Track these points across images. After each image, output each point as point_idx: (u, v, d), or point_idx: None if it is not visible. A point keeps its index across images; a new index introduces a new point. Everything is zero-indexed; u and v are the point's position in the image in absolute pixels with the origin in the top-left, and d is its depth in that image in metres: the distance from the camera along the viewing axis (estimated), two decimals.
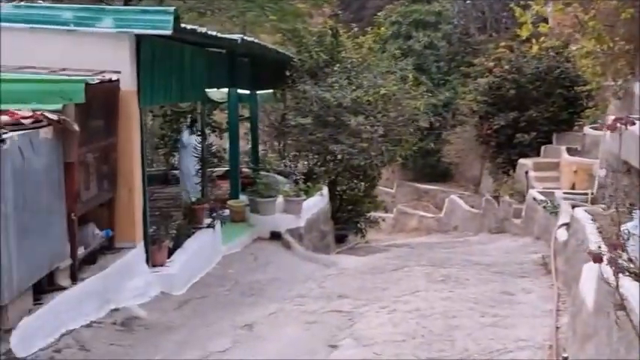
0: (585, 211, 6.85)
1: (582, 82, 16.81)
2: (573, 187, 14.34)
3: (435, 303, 6.33)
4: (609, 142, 7.26)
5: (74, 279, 5.71)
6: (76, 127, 5.56)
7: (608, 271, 3.87)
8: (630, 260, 3.77)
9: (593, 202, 10.57)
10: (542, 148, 16.86)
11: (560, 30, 15.23)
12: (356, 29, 15.33)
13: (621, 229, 5.18)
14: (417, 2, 27.00)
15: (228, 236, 9.59)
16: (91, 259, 6.24)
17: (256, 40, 10.16)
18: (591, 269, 4.83)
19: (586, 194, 11.39)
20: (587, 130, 15.74)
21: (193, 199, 9.28)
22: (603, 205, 9.23)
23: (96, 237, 6.31)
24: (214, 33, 8.13)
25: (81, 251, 5.93)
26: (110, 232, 6.58)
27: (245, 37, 9.21)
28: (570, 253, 6.73)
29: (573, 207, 9.18)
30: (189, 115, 11.75)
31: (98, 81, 5.99)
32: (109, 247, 6.61)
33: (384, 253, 11.51)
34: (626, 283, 3.64)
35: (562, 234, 7.76)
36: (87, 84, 5.65)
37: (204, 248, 8.45)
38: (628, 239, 4.56)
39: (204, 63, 8.93)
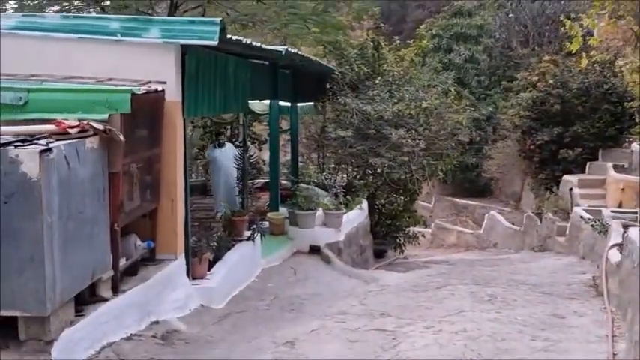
0: None
1: (630, 97, 16.40)
2: (620, 206, 13.93)
3: (482, 324, 6.10)
4: None
5: (116, 290, 5.66)
6: (122, 138, 5.52)
7: None
8: None
9: None
10: (587, 164, 16.46)
11: (607, 44, 14.88)
12: (397, 42, 15.16)
13: None
14: (458, 15, 26.76)
15: (268, 249, 9.50)
16: (132, 270, 6.19)
17: (299, 52, 10.08)
18: None
19: (635, 213, 11.00)
20: (634, 146, 15.30)
21: (230, 211, 9.21)
22: None
23: (138, 248, 6.26)
24: (258, 44, 8.07)
25: (123, 262, 5.88)
26: (152, 244, 6.53)
27: (289, 49, 9.15)
28: (624, 275, 6.43)
29: (624, 226, 8.88)
30: (229, 127, 11.76)
31: (144, 91, 5.96)
32: (150, 259, 6.56)
33: (424, 269, 11.27)
34: None
35: (614, 255, 7.44)
36: (133, 94, 5.61)
37: (244, 261, 8.36)
38: None
39: (247, 74, 8.89)
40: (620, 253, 7.45)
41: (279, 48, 8.92)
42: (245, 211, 9.35)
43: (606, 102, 16.30)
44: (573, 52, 9.41)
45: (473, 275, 9.31)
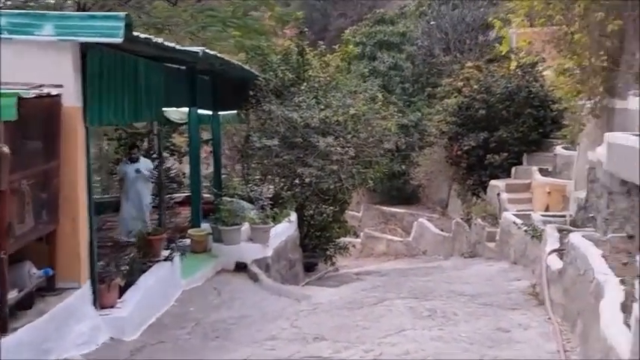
0: (583, 236, 6.24)
1: (551, 101, 16.58)
2: (547, 209, 13.93)
3: (425, 344, 5.60)
4: (605, 163, 6.70)
5: (4, 329, 4.80)
6: (6, 150, 4.70)
7: None
8: None
9: (573, 224, 10.06)
10: (513, 169, 16.48)
11: (529, 48, 14.91)
12: (323, 47, 14.70)
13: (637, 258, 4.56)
14: (381, 23, 26.73)
15: (189, 269, 8.72)
16: (26, 303, 5.33)
17: (219, 55, 9.40)
18: (614, 309, 4.17)
19: (564, 216, 10.89)
20: (558, 150, 15.41)
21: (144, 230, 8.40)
22: (591, 229, 8.72)
23: (32, 277, 5.41)
24: (172, 44, 7.34)
25: (13, 295, 5.03)
26: (50, 271, 5.68)
27: (207, 51, 8.46)
28: (569, 283, 6.09)
29: (560, 231, 8.66)
30: (146, 138, 10.91)
31: (34, 95, 5.14)
32: (49, 288, 5.70)
33: (357, 282, 10.75)
34: None
35: (554, 261, 7.13)
36: (20, 98, 4.80)
37: (161, 284, 7.57)
38: None
39: (161, 79, 8.14)
40: (561, 259, 7.16)
41: (195, 49, 8.20)
42: (162, 228, 8.56)
43: (529, 106, 16.37)
44: (503, 53, 9.17)
45: (409, 287, 8.84)
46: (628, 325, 3.95)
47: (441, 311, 6.87)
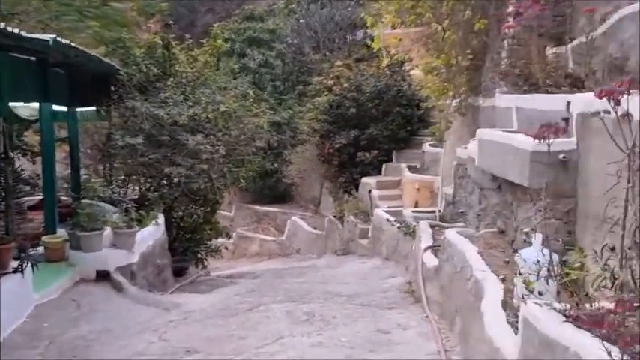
0: (458, 233, 6.25)
1: (418, 100, 17.05)
2: (417, 205, 14.24)
3: (305, 351, 5.32)
4: (476, 159, 6.78)
5: None
6: None
7: (536, 313, 3.10)
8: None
9: (442, 220, 10.28)
10: (384, 166, 16.77)
11: (398, 46, 15.19)
12: (190, 41, 14.06)
13: (515, 254, 4.54)
14: (250, 20, 26.32)
15: (43, 280, 7.85)
16: None
17: (73, 45, 8.57)
18: (497, 308, 4.09)
19: (433, 212, 11.13)
20: (426, 147, 15.86)
21: None
22: (461, 224, 8.89)
23: None
24: (16, 31, 6.52)
25: None
26: None
27: (59, 39, 7.65)
28: (446, 280, 6.08)
29: (432, 227, 8.75)
30: None
31: None
32: None
33: (230, 286, 10.32)
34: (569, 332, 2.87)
35: (429, 258, 7.13)
36: None
37: (10, 299, 6.70)
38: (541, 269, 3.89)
39: (6, 71, 7.24)
40: (435, 256, 7.19)
41: (45, 37, 7.38)
42: (10, 236, 7.64)
43: (398, 105, 16.72)
44: (375, 49, 9.13)
45: (285, 290, 8.56)
46: (511, 324, 3.88)
47: (319, 314, 6.63)
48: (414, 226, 9.88)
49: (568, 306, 3.21)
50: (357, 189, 16.95)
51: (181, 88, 12.11)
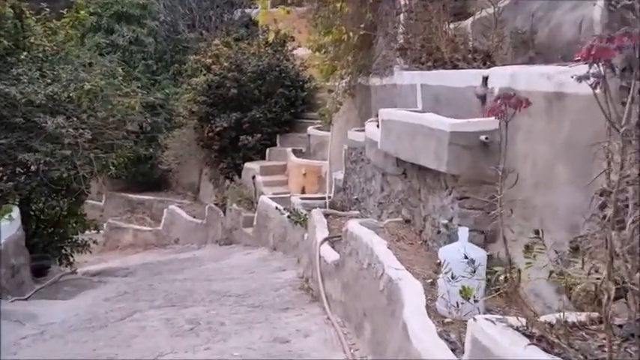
0: (361, 224, 5.60)
1: (302, 81, 16.40)
2: (303, 191, 13.68)
3: None
4: (379, 142, 6.15)
5: None
6: None
7: (491, 333, 2.47)
8: None
9: (332, 206, 9.71)
10: (268, 150, 16.01)
11: (280, 24, 14.38)
12: (48, 12, 12.43)
13: (440, 254, 3.95)
14: None
15: None
16: None
17: None
18: (423, 318, 3.45)
19: (323, 198, 10.53)
20: (311, 130, 15.26)
21: None
22: (355, 211, 8.32)
23: None
24: None
25: None
26: None
27: None
28: (350, 278, 5.41)
29: (326, 215, 8.12)
30: None
31: None
32: None
33: (100, 287, 9.13)
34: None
35: (328, 252, 6.44)
36: None
37: None
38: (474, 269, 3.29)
39: None
40: (333, 247, 6.53)
41: None
42: None
43: (281, 86, 15.97)
44: (257, 29, 8.27)
45: (164, 292, 7.57)
46: (441, 337, 3.26)
47: (205, 322, 5.76)
48: (305, 214, 9.21)
49: (522, 321, 2.61)
50: (239, 175, 16.07)
51: (37, 64, 10.63)
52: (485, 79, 4.41)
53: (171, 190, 23.41)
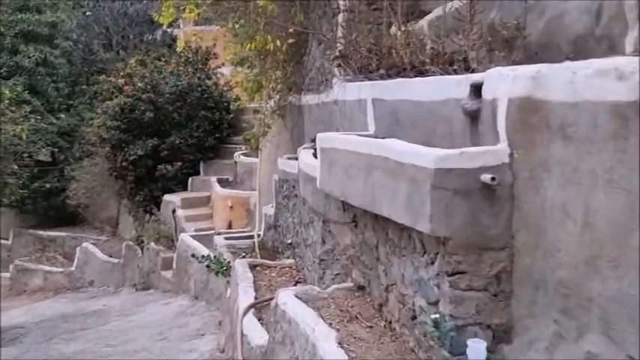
0: (297, 296, 3.99)
1: (227, 102, 14.82)
2: (230, 226, 12.08)
3: None
4: (318, 179, 4.56)
5: None
6: None
7: None
8: None
9: (262, 246, 8.13)
10: (190, 180, 14.27)
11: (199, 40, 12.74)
12: None
13: None
14: (25, 10, 22.14)
15: None
16: None
17: None
18: None
19: (252, 236, 8.89)
20: (237, 157, 13.66)
21: None
22: (289, 260, 6.76)
23: None
24: None
25: None
26: None
27: None
28: None
29: (253, 267, 6.51)
30: None
31: None
32: None
33: None
34: None
35: (252, 328, 4.79)
36: None
37: None
38: None
39: None
40: (261, 321, 4.90)
41: None
42: None
43: (203, 108, 14.33)
44: (165, 26, 6.66)
45: None
46: None
47: None
48: (228, 262, 7.56)
49: None
50: (159, 208, 14.25)
51: None
52: (478, 87, 2.90)
53: (87, 225, 21.20)
